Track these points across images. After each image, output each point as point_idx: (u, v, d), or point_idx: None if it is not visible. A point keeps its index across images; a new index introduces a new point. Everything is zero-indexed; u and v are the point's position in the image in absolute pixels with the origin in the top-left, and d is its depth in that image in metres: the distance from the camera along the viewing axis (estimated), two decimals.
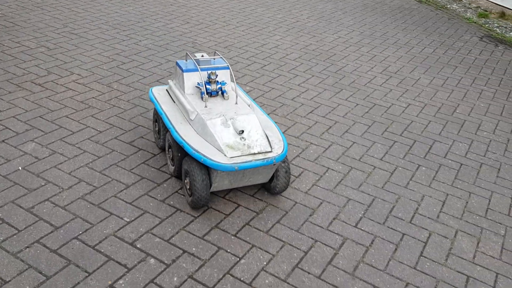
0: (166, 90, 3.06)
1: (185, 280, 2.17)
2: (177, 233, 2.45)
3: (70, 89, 3.83)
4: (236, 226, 2.54)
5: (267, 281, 2.23)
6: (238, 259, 2.33)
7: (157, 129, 3.09)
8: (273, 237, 2.50)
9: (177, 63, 2.92)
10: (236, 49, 5.01)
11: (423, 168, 3.28)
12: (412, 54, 5.45)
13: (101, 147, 3.11)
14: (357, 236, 2.58)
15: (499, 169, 3.34)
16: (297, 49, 5.21)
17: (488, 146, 3.64)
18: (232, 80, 3.16)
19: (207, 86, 2.75)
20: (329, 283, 2.25)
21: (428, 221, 2.76)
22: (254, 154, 2.46)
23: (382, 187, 3.03)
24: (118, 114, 3.54)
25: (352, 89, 4.38)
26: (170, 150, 2.84)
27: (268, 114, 3.79)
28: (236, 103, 2.74)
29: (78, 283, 2.10)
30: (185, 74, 2.80)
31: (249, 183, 2.63)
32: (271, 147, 2.53)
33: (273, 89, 4.21)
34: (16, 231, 2.35)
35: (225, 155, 2.41)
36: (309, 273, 2.30)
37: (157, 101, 2.90)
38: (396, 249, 2.51)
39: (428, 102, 4.29)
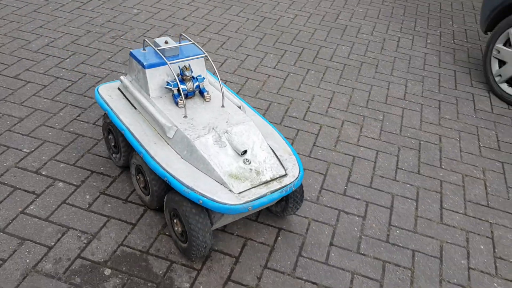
0: (119, 89, 2.28)
1: (98, 197, 2.24)
2: (82, 156, 2.46)
3: None
4: None
5: None
6: None
7: (113, 144, 2.34)
8: None
9: (132, 55, 2.13)
10: None
11: (312, 71, 3.55)
12: None
13: None
14: None
15: (376, 66, 3.72)
16: None
17: (367, 46, 4.00)
18: (216, 75, 2.20)
19: (182, 86, 2.04)
20: None
21: (319, 116, 3.05)
22: (267, 182, 1.84)
23: (277, 92, 3.24)
24: None
25: (242, 5, 4.43)
26: (140, 175, 2.14)
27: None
28: (223, 105, 2.07)
29: None
30: (148, 71, 2.04)
31: (255, 211, 2.12)
32: (283, 167, 1.93)
33: (162, 10, 4.13)
34: None
35: (230, 190, 1.77)
36: None
37: (112, 109, 2.12)
38: (292, 142, 2.78)
39: (313, 11, 4.51)
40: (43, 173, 2.33)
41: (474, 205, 2.46)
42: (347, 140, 2.86)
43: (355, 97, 3.30)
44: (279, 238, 2.14)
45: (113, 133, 2.28)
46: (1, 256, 1.90)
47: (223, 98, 2.06)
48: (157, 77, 2.07)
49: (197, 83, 2.07)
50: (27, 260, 1.90)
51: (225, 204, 1.71)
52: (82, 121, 2.70)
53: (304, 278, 1.97)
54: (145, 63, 2.04)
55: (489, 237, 2.27)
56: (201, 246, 1.85)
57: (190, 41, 2.15)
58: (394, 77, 3.59)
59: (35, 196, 2.19)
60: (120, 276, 1.89)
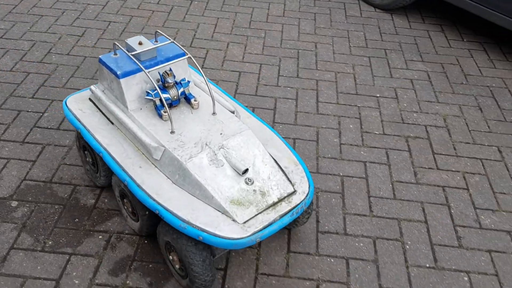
0: (90, 99, 1.96)
1: None
2: None
3: None
4: (32, 90, 2.65)
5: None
6: (41, 114, 2.50)
7: (91, 162, 2.04)
8: (71, 88, 2.70)
9: (101, 61, 1.80)
10: None
11: (196, 2, 3.67)
12: None
13: None
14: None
15: None
16: None
17: None
18: (202, 76, 1.84)
19: (165, 95, 1.73)
20: None
21: (205, 42, 3.22)
22: (275, 204, 1.59)
23: (163, 25, 3.35)
24: None
25: None
26: (125, 200, 1.88)
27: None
28: (214, 112, 1.78)
29: None
30: (122, 81, 1.72)
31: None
32: (291, 182, 1.67)
33: None
34: None
35: (233, 220, 1.53)
36: None
37: (85, 127, 1.82)
38: None
39: None
40: None
41: (345, 95, 2.81)
42: (232, 59, 3.07)
43: (238, 20, 3.49)
44: None
45: (89, 150, 2.00)
46: None
47: (214, 104, 1.76)
48: (134, 86, 1.76)
49: (181, 89, 1.76)
50: None
51: (230, 238, 1.48)
52: None
53: None
54: (118, 72, 1.72)
55: (357, 118, 2.65)
56: (204, 281, 1.64)
57: (169, 39, 1.83)
58: None
59: None
60: (27, 205, 2.02)
